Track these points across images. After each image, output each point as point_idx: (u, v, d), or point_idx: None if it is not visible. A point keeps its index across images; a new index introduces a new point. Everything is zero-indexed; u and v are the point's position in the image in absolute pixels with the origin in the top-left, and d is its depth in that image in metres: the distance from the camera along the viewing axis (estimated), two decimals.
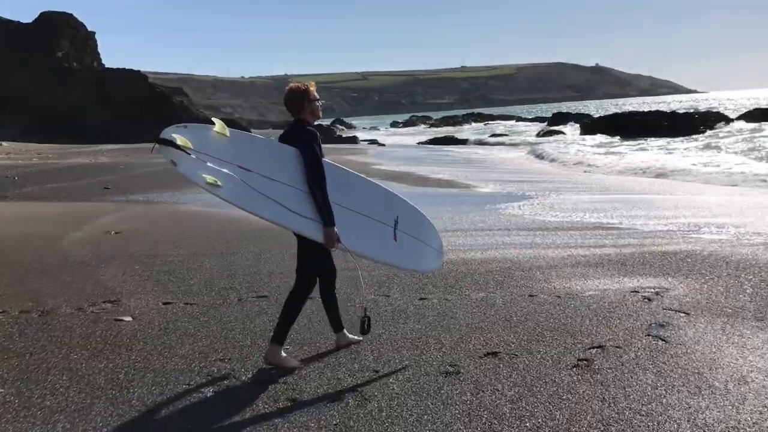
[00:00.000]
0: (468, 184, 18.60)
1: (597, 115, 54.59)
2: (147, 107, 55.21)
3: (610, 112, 56.19)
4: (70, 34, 62.08)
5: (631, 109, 62.57)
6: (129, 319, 5.71)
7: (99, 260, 8.21)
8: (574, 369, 4.42)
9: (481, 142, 46.98)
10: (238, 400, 4.02)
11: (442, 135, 55.05)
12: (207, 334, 5.26)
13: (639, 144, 33.39)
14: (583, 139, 39.64)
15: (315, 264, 4.60)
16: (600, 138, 38.58)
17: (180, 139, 4.05)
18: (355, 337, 4.96)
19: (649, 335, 5.07)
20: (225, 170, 4.14)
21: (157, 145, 4.06)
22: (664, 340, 4.94)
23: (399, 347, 4.89)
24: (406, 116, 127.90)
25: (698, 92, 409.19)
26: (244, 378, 4.36)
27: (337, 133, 64.28)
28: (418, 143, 50.41)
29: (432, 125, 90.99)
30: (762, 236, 8.91)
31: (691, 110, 50.84)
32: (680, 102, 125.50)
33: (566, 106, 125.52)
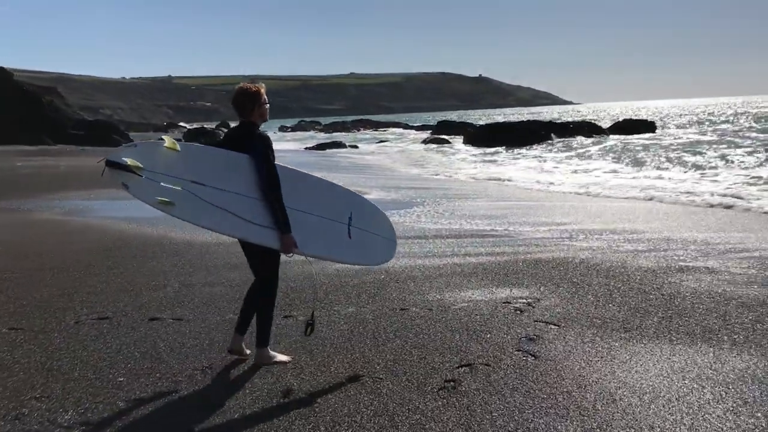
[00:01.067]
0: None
1: (480, 124, 56.01)
2: (11, 107, 51.11)
3: (493, 121, 57.93)
4: None
5: (512, 118, 64.84)
6: None
7: None
8: (441, 392, 4.10)
9: (368, 149, 46.96)
10: None
11: (330, 141, 54.65)
12: (27, 366, 4.52)
13: (518, 152, 34.44)
14: (466, 148, 40.49)
15: (271, 263, 4.46)
16: (481, 146, 39.50)
17: (130, 161, 3.93)
18: (247, 351, 4.68)
19: (519, 350, 4.85)
20: (178, 188, 4.04)
21: (107, 169, 3.91)
22: (533, 356, 4.73)
23: (249, 376, 4.38)
24: (294, 121, 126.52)
25: (574, 103, 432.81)
26: (60, 420, 3.70)
27: (221, 137, 62.23)
28: (306, 148, 49.76)
29: (321, 130, 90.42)
30: (632, 243, 9.09)
31: (568, 120, 53.16)
32: (553, 113, 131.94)
33: (451, 115, 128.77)
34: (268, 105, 4.45)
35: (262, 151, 4.23)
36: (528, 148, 36.77)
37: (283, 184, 4.29)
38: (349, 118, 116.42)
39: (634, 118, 54.75)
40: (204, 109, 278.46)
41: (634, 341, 5.05)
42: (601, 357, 4.71)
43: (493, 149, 37.00)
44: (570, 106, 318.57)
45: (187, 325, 5.49)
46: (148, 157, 4.03)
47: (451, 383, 4.23)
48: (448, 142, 47.22)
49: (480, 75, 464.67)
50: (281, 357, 4.62)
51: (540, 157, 31.42)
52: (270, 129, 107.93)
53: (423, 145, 47.07)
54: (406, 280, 7.13)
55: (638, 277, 7.06)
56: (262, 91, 4.39)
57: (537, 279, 7.08)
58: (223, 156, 4.35)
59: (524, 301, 6.22)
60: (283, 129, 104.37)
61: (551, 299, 6.28)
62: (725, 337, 5.12)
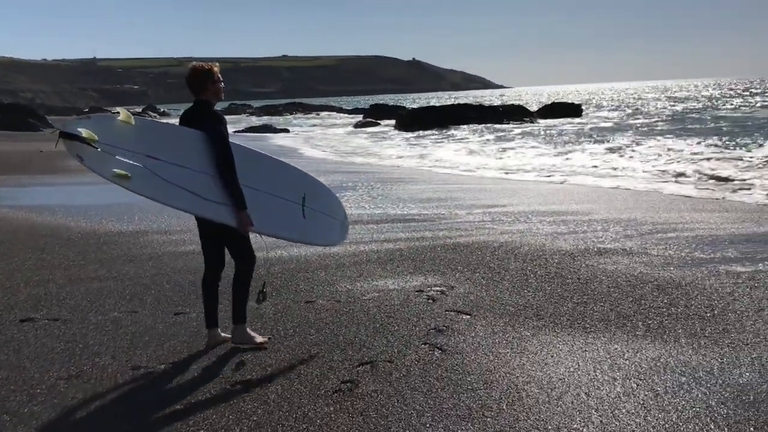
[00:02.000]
0: None
1: (412, 107, 55.86)
2: None
3: (425, 105, 57.87)
4: None
5: (444, 101, 64.96)
6: None
7: None
8: (335, 395, 3.72)
9: (298, 133, 46.18)
10: None
11: (261, 124, 53.52)
12: None
13: (447, 135, 34.39)
14: (397, 132, 40.19)
15: (243, 245, 4.43)
16: (411, 130, 39.27)
17: (85, 132, 3.80)
18: (226, 335, 4.61)
19: (426, 344, 4.52)
20: (134, 161, 3.94)
21: (60, 140, 3.78)
22: (441, 350, 4.41)
23: (122, 385, 3.88)
24: (225, 104, 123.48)
25: (505, 87, 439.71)
26: None
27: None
28: (236, 132, 48.58)
29: (252, 114, 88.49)
30: (554, 225, 8.93)
31: (497, 104, 53.60)
32: (483, 96, 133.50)
33: (385, 98, 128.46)
34: (222, 83, 4.47)
35: (217, 128, 4.24)
36: (457, 130, 36.81)
37: (237, 162, 4.27)
38: (282, 102, 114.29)
39: (562, 101, 55.59)
40: (131, 92, 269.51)
41: (547, 330, 4.80)
42: (512, 348, 4.43)
43: (422, 133, 36.85)
44: (501, 90, 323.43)
45: (63, 326, 4.93)
46: (102, 130, 3.92)
47: (348, 384, 3.86)
48: (379, 124, 46.90)
49: (413, 59, 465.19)
50: (259, 338, 4.56)
51: (468, 140, 31.42)
52: None
53: (354, 129, 46.61)
54: (317, 269, 6.72)
55: (556, 261, 6.87)
56: (215, 69, 4.44)
57: (454, 265, 6.79)
58: (177, 131, 4.33)
59: (438, 289, 5.91)
60: None
61: (466, 286, 5.99)
62: (640, 323, 4.93)
